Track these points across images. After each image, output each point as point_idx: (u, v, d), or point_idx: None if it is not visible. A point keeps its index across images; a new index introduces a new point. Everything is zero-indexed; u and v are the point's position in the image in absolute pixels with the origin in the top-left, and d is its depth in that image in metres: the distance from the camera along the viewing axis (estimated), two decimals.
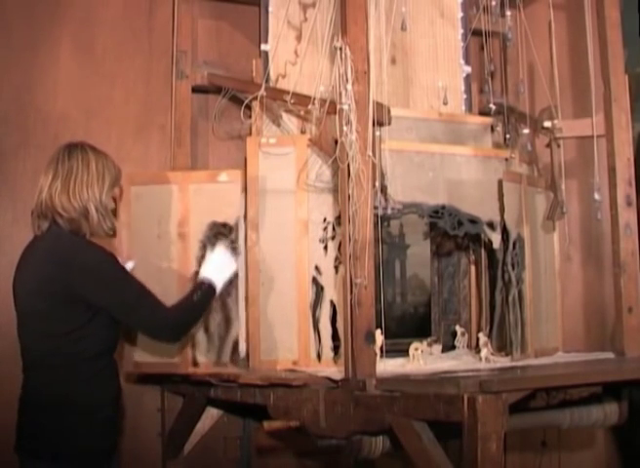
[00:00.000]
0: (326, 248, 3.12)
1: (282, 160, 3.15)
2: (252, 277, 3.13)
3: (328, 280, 3.11)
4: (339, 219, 3.06)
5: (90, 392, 2.46)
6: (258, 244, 3.12)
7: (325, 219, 3.13)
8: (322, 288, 3.11)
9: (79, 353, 2.44)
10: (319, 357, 3.06)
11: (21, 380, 2.53)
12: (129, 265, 2.79)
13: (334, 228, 3.12)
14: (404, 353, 3.01)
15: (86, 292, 2.42)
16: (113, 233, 2.60)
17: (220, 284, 2.74)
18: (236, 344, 3.08)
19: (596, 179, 3.04)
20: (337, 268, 3.10)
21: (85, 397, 2.44)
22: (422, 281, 3.63)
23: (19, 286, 2.54)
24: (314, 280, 3.11)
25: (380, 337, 2.77)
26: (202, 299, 2.68)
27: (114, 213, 2.62)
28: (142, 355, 3.10)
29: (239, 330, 3.12)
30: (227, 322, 3.08)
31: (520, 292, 3.15)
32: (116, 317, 2.50)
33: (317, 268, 3.11)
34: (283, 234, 3.12)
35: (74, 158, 2.50)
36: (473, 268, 3.64)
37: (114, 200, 2.61)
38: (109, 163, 2.55)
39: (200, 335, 3.05)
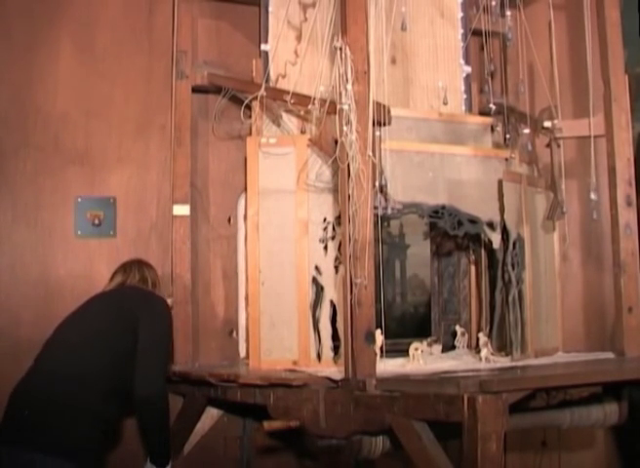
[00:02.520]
0: (326, 248, 3.12)
1: (282, 160, 3.15)
2: (252, 277, 3.13)
3: (328, 280, 3.11)
4: (339, 219, 3.06)
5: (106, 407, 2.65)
6: (258, 244, 3.12)
7: (325, 219, 3.13)
8: (322, 288, 3.11)
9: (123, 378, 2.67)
10: (319, 357, 3.06)
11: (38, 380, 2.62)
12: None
13: (334, 228, 3.12)
14: (404, 353, 3.01)
15: (142, 317, 2.72)
16: None
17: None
18: None
19: (592, 179, 3.04)
20: (337, 268, 3.10)
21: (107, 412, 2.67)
22: (422, 281, 3.63)
23: (94, 314, 2.79)
24: (314, 280, 3.11)
25: (379, 337, 2.77)
26: (166, 445, 2.81)
27: None
28: None
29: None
30: None
31: (520, 292, 3.15)
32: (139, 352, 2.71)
33: (317, 268, 3.11)
34: (283, 234, 3.12)
35: (147, 270, 3.01)
36: (473, 268, 3.64)
37: None
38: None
39: None
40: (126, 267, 3.00)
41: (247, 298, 3.18)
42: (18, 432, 2.54)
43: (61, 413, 2.54)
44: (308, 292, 3.10)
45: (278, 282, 3.10)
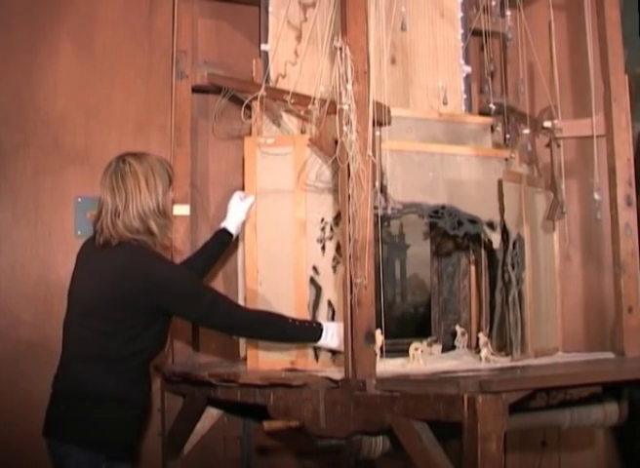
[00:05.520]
0: (324, 248, 3.12)
1: (280, 160, 3.15)
2: (250, 277, 3.13)
3: (326, 280, 3.10)
4: (336, 219, 3.06)
5: (127, 391, 2.63)
6: (256, 244, 3.12)
7: (323, 219, 3.13)
8: (320, 288, 3.10)
9: (131, 355, 2.62)
10: (317, 357, 3.06)
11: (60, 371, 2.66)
12: (249, 200, 3.09)
13: (331, 228, 3.12)
14: (404, 353, 3.01)
15: (167, 305, 2.64)
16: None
17: (321, 341, 2.87)
18: None
19: (596, 179, 3.04)
20: (334, 268, 3.10)
21: (123, 395, 2.62)
22: (422, 281, 3.62)
23: (83, 286, 2.67)
24: (312, 280, 3.10)
25: (379, 337, 2.76)
26: (299, 331, 2.86)
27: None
28: None
29: None
30: None
31: (520, 292, 3.14)
32: (195, 321, 2.75)
33: (315, 268, 3.11)
34: (281, 234, 3.12)
35: (128, 179, 2.64)
36: (473, 268, 3.63)
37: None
38: (157, 168, 2.70)
39: None
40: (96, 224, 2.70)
41: (245, 298, 3.17)
42: (54, 425, 2.62)
43: (91, 406, 2.57)
44: (306, 292, 3.10)
45: (276, 282, 3.10)
